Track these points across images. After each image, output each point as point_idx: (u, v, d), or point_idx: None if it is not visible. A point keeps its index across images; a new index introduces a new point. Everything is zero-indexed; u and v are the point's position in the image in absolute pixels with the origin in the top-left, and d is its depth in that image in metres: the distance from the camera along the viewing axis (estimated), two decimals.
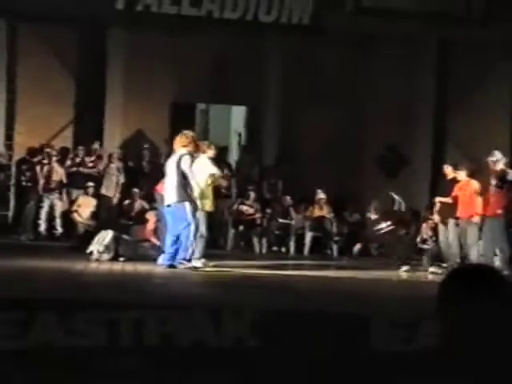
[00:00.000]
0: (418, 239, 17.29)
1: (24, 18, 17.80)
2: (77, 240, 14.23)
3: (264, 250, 16.92)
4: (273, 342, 2.84)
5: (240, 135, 20.03)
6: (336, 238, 17.07)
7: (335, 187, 17.77)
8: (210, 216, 11.62)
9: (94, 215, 16.53)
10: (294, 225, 17.19)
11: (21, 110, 18.30)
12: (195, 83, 18.69)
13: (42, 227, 16.49)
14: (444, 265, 13.67)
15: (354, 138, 19.29)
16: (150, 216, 13.80)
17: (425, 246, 17.01)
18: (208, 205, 11.49)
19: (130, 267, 11.23)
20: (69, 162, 17.20)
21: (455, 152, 18.88)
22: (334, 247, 17.02)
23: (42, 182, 16.48)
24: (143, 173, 17.49)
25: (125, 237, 12.89)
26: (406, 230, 15.62)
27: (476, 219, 13.19)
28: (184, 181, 11.00)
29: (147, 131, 18.69)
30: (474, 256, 13.22)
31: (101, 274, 10.52)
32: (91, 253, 12.22)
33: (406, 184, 19.23)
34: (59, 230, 16.60)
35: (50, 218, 16.57)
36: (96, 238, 12.40)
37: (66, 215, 16.70)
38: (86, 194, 16.75)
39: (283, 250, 17.15)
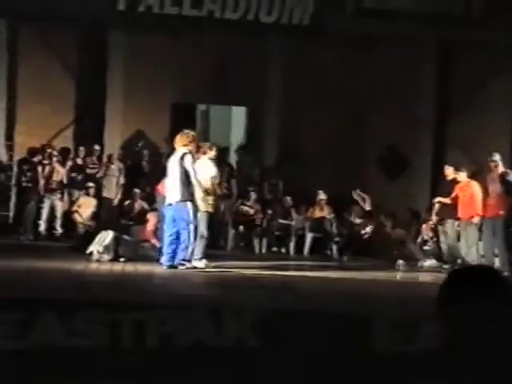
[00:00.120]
0: (419, 240, 17.31)
1: (25, 18, 17.81)
2: (77, 240, 14.23)
3: (264, 251, 16.92)
4: (273, 342, 2.85)
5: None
6: (336, 239, 17.07)
7: (336, 188, 17.76)
8: (210, 216, 11.62)
9: (95, 215, 16.53)
10: (294, 225, 17.19)
11: (21, 111, 18.31)
12: (196, 84, 18.70)
13: (43, 227, 16.49)
14: (445, 266, 13.68)
15: (354, 138, 19.29)
16: (151, 216, 13.80)
17: (425, 247, 17.04)
18: (209, 205, 11.48)
19: (130, 267, 11.23)
20: (70, 163, 17.20)
21: (456, 153, 18.88)
22: (334, 248, 17.02)
23: (42, 182, 16.48)
24: (143, 173, 17.49)
25: (125, 237, 12.89)
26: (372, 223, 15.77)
27: (476, 220, 13.21)
28: (187, 180, 10.99)
29: (148, 132, 18.70)
30: (473, 256, 13.23)
31: (101, 274, 10.52)
32: (91, 253, 12.22)
33: (407, 185, 19.25)
34: (59, 230, 16.60)
35: (51, 218, 16.57)
36: (96, 239, 12.40)
37: (67, 215, 16.70)
38: (87, 194, 16.75)
39: (283, 250, 17.15)
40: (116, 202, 16.96)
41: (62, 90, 18.21)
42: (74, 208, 16.63)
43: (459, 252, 13.60)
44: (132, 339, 2.95)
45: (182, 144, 11.22)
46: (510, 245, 12.94)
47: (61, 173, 16.76)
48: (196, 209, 11.07)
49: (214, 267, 11.34)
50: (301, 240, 17.12)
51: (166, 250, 11.08)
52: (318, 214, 17.26)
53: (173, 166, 11.21)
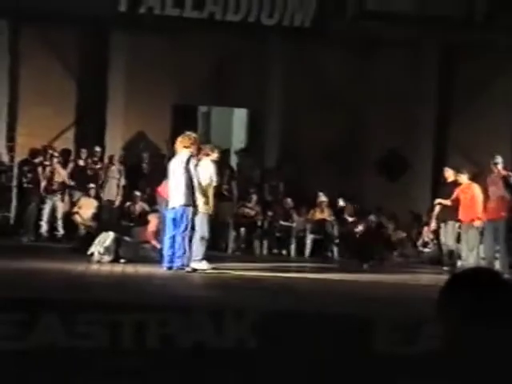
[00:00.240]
0: (419, 242, 17.32)
1: (26, 19, 17.83)
2: (78, 241, 14.24)
3: (265, 253, 16.92)
4: (273, 344, 2.85)
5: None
6: (337, 241, 17.07)
7: (336, 190, 17.77)
8: (211, 218, 11.61)
9: (95, 217, 16.53)
10: (295, 227, 17.19)
11: (23, 112, 18.32)
12: (197, 85, 18.71)
13: (44, 228, 16.49)
14: (445, 268, 13.68)
15: (355, 140, 19.30)
16: (152, 218, 13.80)
17: (426, 250, 17.05)
18: (209, 207, 11.48)
19: (130, 269, 11.23)
20: (71, 165, 17.20)
21: (456, 156, 18.88)
22: (335, 250, 17.02)
23: (43, 183, 16.49)
24: (144, 174, 17.50)
25: (126, 238, 12.89)
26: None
27: (477, 223, 13.20)
28: (191, 184, 10.98)
29: (149, 133, 18.70)
30: (474, 259, 13.22)
31: (102, 275, 10.52)
32: (92, 254, 12.22)
33: (408, 187, 19.24)
34: (61, 231, 16.60)
35: (52, 219, 16.57)
36: (97, 240, 12.40)
37: (68, 217, 16.70)
38: (88, 195, 16.76)
39: (284, 252, 17.15)
40: (117, 203, 16.97)
41: (63, 92, 18.22)
42: (75, 209, 16.64)
43: (459, 254, 13.59)
44: (132, 340, 2.96)
45: (183, 146, 11.21)
46: (510, 247, 12.94)
47: (62, 174, 16.77)
48: (195, 212, 11.06)
49: (214, 269, 11.34)
50: (301, 242, 17.12)
51: (167, 252, 11.08)
52: (318, 215, 17.26)
53: (175, 168, 11.20)
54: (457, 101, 19.58)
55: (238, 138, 20.30)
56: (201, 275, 10.83)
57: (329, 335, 2.84)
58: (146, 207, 15.86)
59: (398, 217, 18.07)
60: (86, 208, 16.58)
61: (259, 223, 17.09)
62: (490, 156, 13.41)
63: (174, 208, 11.09)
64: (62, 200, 16.81)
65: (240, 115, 20.34)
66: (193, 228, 11.04)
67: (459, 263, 13.48)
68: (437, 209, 14.02)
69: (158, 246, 12.57)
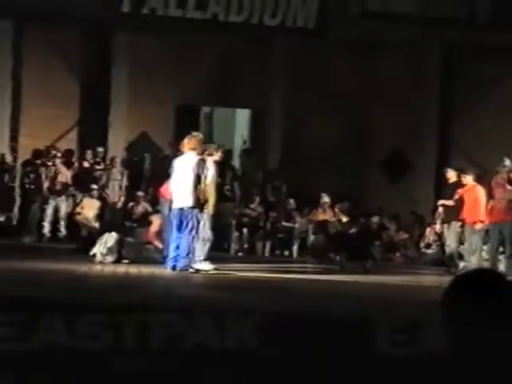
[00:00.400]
0: (422, 244, 17.31)
1: (29, 20, 17.85)
2: (81, 242, 14.25)
3: (267, 253, 16.92)
4: (275, 344, 2.86)
5: (245, 142, 20.00)
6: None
7: (339, 191, 17.77)
8: (213, 219, 11.61)
9: (98, 217, 16.55)
10: (297, 228, 17.18)
11: (25, 112, 18.35)
12: (200, 86, 18.72)
13: (47, 229, 16.51)
14: (447, 269, 13.67)
15: (358, 141, 19.30)
16: (155, 219, 13.81)
17: (428, 251, 17.04)
18: (212, 207, 11.48)
19: (133, 269, 11.24)
20: (75, 166, 17.22)
21: (459, 157, 18.88)
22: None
23: (46, 183, 16.52)
24: (146, 175, 17.51)
25: (128, 239, 12.90)
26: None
27: (479, 226, 13.20)
28: (199, 185, 10.97)
29: (151, 134, 18.72)
30: (476, 261, 13.22)
31: (105, 276, 10.53)
32: (95, 255, 12.23)
33: (410, 188, 19.24)
34: (63, 231, 16.62)
35: (55, 219, 16.59)
36: (99, 241, 12.41)
37: (71, 217, 16.72)
38: (90, 196, 16.78)
39: (286, 253, 17.15)
40: (119, 204, 16.99)
41: (66, 92, 18.24)
42: (78, 210, 16.66)
43: (462, 256, 13.59)
44: (136, 341, 2.97)
45: (190, 147, 11.18)
46: None
47: (65, 175, 16.78)
48: (202, 215, 11.07)
49: (217, 269, 11.34)
50: (304, 243, 17.12)
51: (172, 252, 11.06)
52: (321, 216, 17.25)
53: (178, 168, 11.18)
54: (459, 101, 19.57)
55: (241, 139, 20.31)
56: (204, 276, 10.83)
57: (330, 336, 2.84)
58: (149, 208, 15.87)
59: (401, 218, 18.08)
60: (89, 209, 16.60)
61: (262, 224, 17.09)
62: (493, 157, 13.41)
63: (181, 209, 11.04)
64: (65, 201, 16.82)
65: (243, 116, 20.35)
66: (196, 229, 11.05)
67: (462, 264, 13.48)
68: (440, 210, 14.01)
69: (161, 246, 12.57)
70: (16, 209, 17.19)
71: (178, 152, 11.93)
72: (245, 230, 16.96)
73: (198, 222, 11.01)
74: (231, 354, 2.82)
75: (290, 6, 18.22)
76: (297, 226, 17.22)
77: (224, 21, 18.00)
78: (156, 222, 13.62)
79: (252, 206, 17.21)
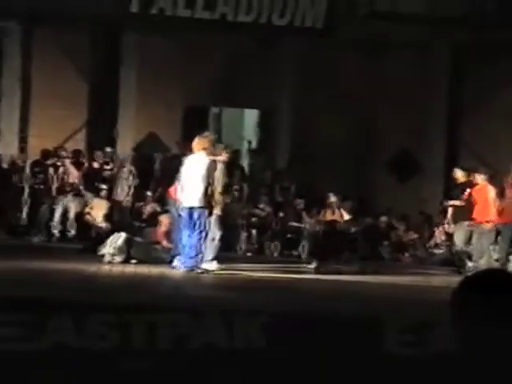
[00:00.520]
0: (431, 244, 17.28)
1: (38, 21, 17.88)
2: (90, 242, 14.27)
3: (276, 254, 16.90)
4: (283, 345, 2.86)
5: (250, 142, 20.00)
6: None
7: (347, 191, 17.74)
8: (222, 219, 11.61)
9: (107, 217, 16.57)
10: (306, 228, 17.16)
11: (34, 113, 18.38)
12: (208, 86, 18.73)
13: (56, 229, 16.54)
14: (457, 269, 13.64)
15: (366, 141, 19.28)
16: (163, 218, 13.82)
17: (437, 251, 17.00)
18: (219, 208, 11.48)
19: (142, 269, 11.25)
20: (85, 166, 17.25)
21: (469, 157, 18.82)
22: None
23: (56, 184, 16.55)
24: (155, 175, 17.53)
25: (137, 239, 12.91)
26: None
27: (489, 226, 13.15)
28: (209, 186, 10.96)
29: (160, 134, 18.73)
30: (485, 261, 13.18)
31: (114, 276, 10.55)
32: (103, 255, 12.25)
33: (419, 188, 19.21)
34: (72, 231, 16.65)
35: (64, 219, 16.62)
36: (108, 241, 12.43)
37: (80, 217, 16.75)
38: (99, 196, 16.80)
39: (295, 253, 17.13)
40: (128, 204, 17.00)
41: (74, 93, 18.27)
42: (87, 210, 16.68)
43: (471, 256, 13.55)
44: (144, 341, 2.97)
45: (201, 147, 11.17)
46: None
47: (74, 175, 16.81)
48: (209, 214, 11.07)
49: (225, 270, 11.34)
50: (313, 243, 17.08)
51: (183, 251, 11.04)
52: (329, 216, 17.23)
53: (188, 168, 11.17)
54: (468, 101, 19.52)
55: (249, 139, 20.30)
56: (212, 276, 10.83)
57: (339, 336, 2.84)
58: (158, 208, 15.88)
59: (409, 218, 18.04)
60: (98, 209, 16.62)
61: (270, 224, 17.08)
62: (504, 157, 13.36)
63: (192, 208, 11.02)
64: (74, 201, 16.84)
65: (251, 116, 20.35)
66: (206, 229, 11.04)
67: (470, 264, 13.44)
68: (450, 211, 13.97)
69: (169, 246, 12.58)
70: (25, 209, 17.23)
71: (186, 151, 11.92)
72: (253, 231, 16.95)
73: (207, 222, 11.01)
74: (239, 354, 2.82)
75: (299, 6, 18.21)
76: (307, 226, 17.19)
77: (233, 21, 18.00)
78: (165, 221, 13.63)
79: (261, 206, 17.21)
